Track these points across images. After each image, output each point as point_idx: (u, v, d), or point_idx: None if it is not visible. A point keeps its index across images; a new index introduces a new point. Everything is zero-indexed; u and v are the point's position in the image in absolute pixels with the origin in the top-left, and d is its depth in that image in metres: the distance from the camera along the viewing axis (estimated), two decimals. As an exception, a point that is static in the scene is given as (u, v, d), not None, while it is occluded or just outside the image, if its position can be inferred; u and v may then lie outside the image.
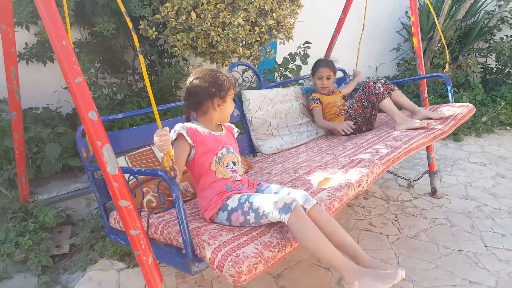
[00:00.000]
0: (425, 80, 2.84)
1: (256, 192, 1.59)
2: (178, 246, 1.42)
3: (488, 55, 5.30)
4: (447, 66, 2.83)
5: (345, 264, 1.30)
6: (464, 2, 4.77)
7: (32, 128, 2.79)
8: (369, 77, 5.32)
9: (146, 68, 3.71)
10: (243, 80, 3.01)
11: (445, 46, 2.98)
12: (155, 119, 1.35)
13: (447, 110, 2.58)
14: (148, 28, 2.90)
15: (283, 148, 2.61)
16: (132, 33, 1.31)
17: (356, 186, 1.71)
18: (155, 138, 1.27)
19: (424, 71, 2.82)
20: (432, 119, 2.46)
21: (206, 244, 1.30)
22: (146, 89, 3.57)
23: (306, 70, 4.40)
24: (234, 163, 1.57)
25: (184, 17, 2.84)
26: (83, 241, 2.19)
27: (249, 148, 2.61)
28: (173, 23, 2.86)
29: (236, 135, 1.76)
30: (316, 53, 3.96)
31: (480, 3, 5.07)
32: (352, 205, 2.74)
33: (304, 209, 1.37)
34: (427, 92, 2.91)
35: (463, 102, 4.29)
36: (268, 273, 2.07)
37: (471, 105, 2.63)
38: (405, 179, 3.10)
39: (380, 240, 2.39)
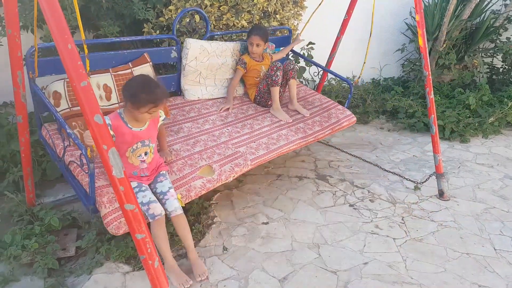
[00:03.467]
0: (430, 81, 2.81)
1: (152, 179, 2.06)
2: (87, 190, 1.93)
3: (495, 55, 5.23)
4: (356, 79, 3.36)
5: (169, 263, 2.00)
6: (469, 2, 4.73)
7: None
8: (373, 78, 5.29)
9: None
10: (195, 26, 3.03)
11: (364, 63, 3.26)
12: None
13: (335, 114, 3.10)
14: (152, 31, 2.91)
15: (203, 98, 2.98)
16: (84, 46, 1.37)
17: (224, 180, 2.26)
18: (84, 137, 1.72)
19: (429, 72, 2.79)
20: (300, 114, 3.04)
21: (103, 205, 1.88)
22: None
23: (308, 72, 4.39)
24: (145, 153, 2.00)
25: (188, 20, 2.85)
26: (89, 244, 2.19)
27: (176, 86, 2.95)
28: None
29: (160, 122, 2.09)
30: (320, 54, 3.95)
31: (486, 2, 5.02)
32: (358, 208, 2.72)
33: (170, 212, 1.98)
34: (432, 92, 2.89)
35: (469, 103, 4.26)
36: (274, 277, 2.06)
37: (354, 118, 3.14)
38: (411, 181, 3.07)
39: (387, 243, 2.36)
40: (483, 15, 5.06)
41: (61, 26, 1.27)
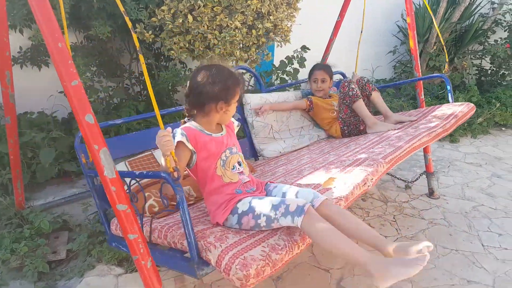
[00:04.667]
0: (421, 82, 2.85)
1: (265, 193, 1.54)
2: (183, 249, 1.39)
3: (483, 57, 5.34)
4: (446, 66, 2.85)
5: (367, 258, 1.24)
6: (459, 5, 4.81)
7: (27, 133, 2.76)
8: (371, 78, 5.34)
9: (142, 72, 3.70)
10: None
11: (444, 46, 2.97)
12: (152, 124, 1.36)
13: (447, 109, 2.59)
14: (145, 31, 2.89)
15: (285, 152, 2.60)
16: (132, 32, 1.30)
17: (362, 185, 1.68)
18: (157, 139, 1.26)
19: (420, 73, 2.83)
20: (403, 122, 2.54)
21: (212, 246, 1.26)
22: (143, 92, 3.56)
23: (303, 73, 4.41)
24: (239, 164, 1.51)
25: (180, 20, 2.84)
26: (80, 247, 2.16)
27: (250, 152, 2.59)
28: (170, 26, 2.85)
29: (236, 129, 1.67)
30: (313, 56, 3.96)
31: (475, 6, 5.11)
32: (351, 207, 2.73)
33: (313, 206, 1.34)
34: (423, 93, 2.92)
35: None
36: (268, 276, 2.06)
37: (471, 104, 2.63)
38: (402, 180, 3.11)
39: (379, 242, 2.38)
40: (472, 18, 5.15)
41: (51, 24, 1.26)
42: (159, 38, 3.00)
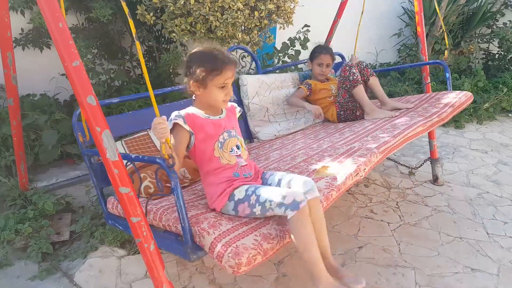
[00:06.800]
0: (427, 66, 2.79)
1: (261, 181, 1.57)
2: (177, 233, 1.41)
3: (491, 41, 5.23)
4: (446, 52, 2.79)
5: (323, 277, 1.33)
6: (467, -14, 4.70)
7: (30, 115, 2.76)
8: (369, 63, 5.26)
9: (144, 54, 3.65)
10: (241, 65, 3.00)
11: (445, 33, 2.90)
12: (151, 105, 1.34)
13: (445, 97, 2.56)
14: (146, 13, 2.83)
15: (280, 135, 2.60)
16: (128, 18, 1.27)
17: (354, 175, 1.70)
18: (153, 127, 1.27)
19: (426, 57, 2.77)
20: (400, 110, 2.53)
21: (205, 233, 1.30)
22: (144, 75, 3.53)
23: (305, 55, 4.35)
24: (237, 147, 1.53)
25: (182, 2, 2.78)
26: (83, 228, 2.18)
27: (245, 134, 2.59)
28: (171, 8, 2.79)
29: (238, 114, 1.69)
30: (316, 38, 3.89)
31: (484, -13, 4.98)
32: (353, 192, 2.73)
33: (305, 193, 1.38)
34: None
35: (464, 89, 4.25)
36: (269, 260, 2.07)
37: (469, 93, 2.59)
38: (406, 166, 3.09)
39: (381, 227, 2.38)
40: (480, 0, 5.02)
41: (52, 3, 1.23)
42: (160, 20, 2.94)
